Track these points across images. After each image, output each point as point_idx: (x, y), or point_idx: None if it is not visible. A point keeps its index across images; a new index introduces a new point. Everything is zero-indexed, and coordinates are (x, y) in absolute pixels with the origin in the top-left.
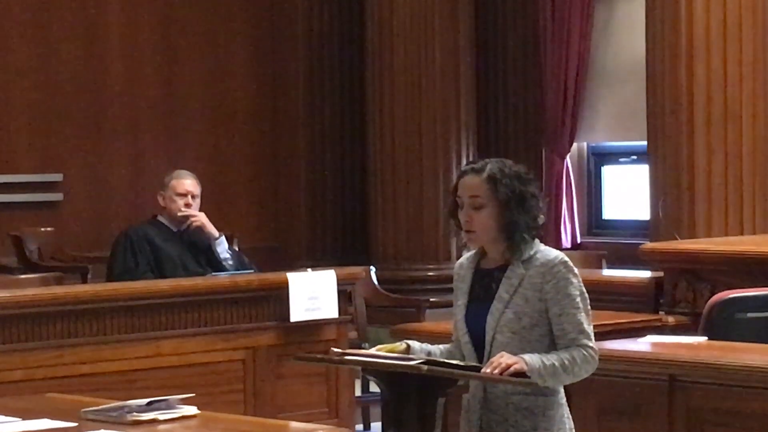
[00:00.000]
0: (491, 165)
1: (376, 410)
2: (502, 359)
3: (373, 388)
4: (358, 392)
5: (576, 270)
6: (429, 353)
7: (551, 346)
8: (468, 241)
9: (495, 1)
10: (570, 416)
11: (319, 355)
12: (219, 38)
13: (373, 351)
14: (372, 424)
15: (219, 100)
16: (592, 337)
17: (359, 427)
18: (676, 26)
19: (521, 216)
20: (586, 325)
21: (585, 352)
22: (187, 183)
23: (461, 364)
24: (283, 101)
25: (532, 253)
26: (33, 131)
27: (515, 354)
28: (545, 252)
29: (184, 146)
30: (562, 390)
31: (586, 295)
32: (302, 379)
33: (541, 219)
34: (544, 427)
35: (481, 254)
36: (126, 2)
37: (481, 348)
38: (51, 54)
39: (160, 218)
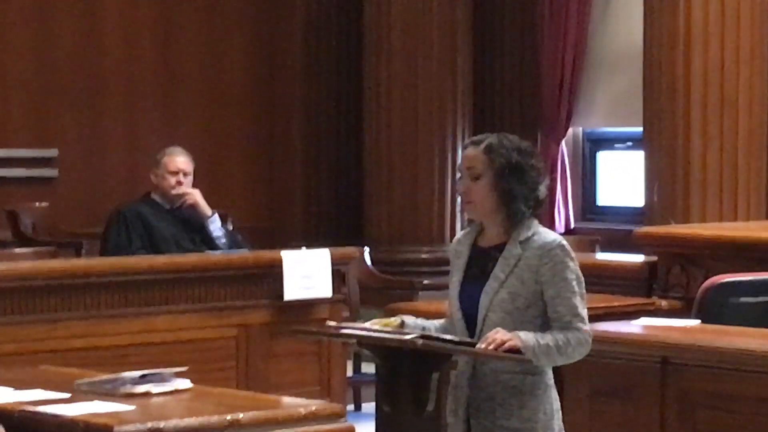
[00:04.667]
0: (491, 138)
1: (367, 391)
2: (498, 335)
3: (365, 368)
4: (349, 372)
5: (573, 254)
6: (423, 328)
7: (543, 328)
8: (466, 212)
9: None
10: (557, 397)
11: (314, 329)
12: (217, 18)
13: (367, 325)
14: (363, 405)
15: (216, 80)
16: (587, 321)
17: (350, 407)
18: (674, 13)
19: (518, 186)
20: (580, 309)
21: (579, 335)
22: (179, 160)
23: (456, 339)
24: (280, 82)
25: (530, 234)
26: (29, 107)
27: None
28: (543, 234)
29: (179, 124)
30: (550, 371)
31: (582, 279)
32: (294, 358)
33: (542, 192)
34: (531, 407)
35: (479, 231)
36: None
37: (473, 325)
38: (48, 30)
39: (153, 196)
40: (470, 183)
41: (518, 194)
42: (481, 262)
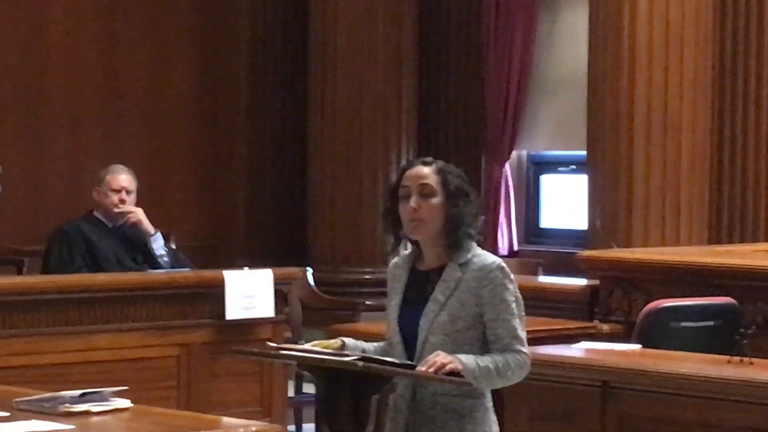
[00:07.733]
0: (438, 161)
1: (308, 411)
2: (438, 358)
3: (306, 389)
4: (291, 393)
5: (512, 275)
6: (364, 350)
7: (483, 350)
8: (412, 231)
9: (439, 6)
10: (496, 420)
11: (255, 349)
12: (161, 33)
13: (308, 346)
14: (304, 426)
15: (159, 97)
16: (526, 343)
17: (291, 427)
18: (618, 37)
19: (467, 210)
20: (519, 331)
21: (519, 357)
22: (122, 178)
23: (396, 361)
24: (224, 100)
25: (469, 256)
26: None
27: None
28: (482, 256)
29: (123, 142)
30: (489, 394)
31: (521, 300)
32: (236, 378)
33: (481, 220)
34: (470, 430)
35: (417, 255)
36: None
37: (412, 348)
38: None
39: (96, 213)
40: (421, 200)
41: (466, 218)
42: (420, 286)
